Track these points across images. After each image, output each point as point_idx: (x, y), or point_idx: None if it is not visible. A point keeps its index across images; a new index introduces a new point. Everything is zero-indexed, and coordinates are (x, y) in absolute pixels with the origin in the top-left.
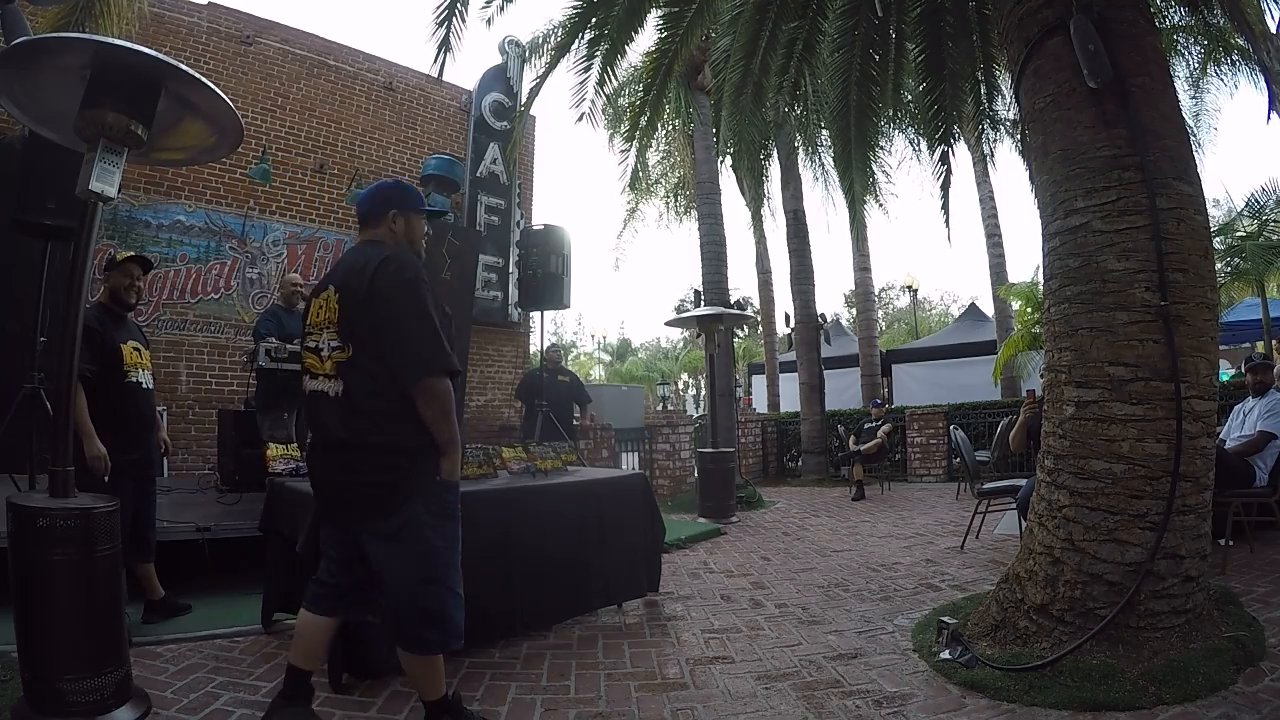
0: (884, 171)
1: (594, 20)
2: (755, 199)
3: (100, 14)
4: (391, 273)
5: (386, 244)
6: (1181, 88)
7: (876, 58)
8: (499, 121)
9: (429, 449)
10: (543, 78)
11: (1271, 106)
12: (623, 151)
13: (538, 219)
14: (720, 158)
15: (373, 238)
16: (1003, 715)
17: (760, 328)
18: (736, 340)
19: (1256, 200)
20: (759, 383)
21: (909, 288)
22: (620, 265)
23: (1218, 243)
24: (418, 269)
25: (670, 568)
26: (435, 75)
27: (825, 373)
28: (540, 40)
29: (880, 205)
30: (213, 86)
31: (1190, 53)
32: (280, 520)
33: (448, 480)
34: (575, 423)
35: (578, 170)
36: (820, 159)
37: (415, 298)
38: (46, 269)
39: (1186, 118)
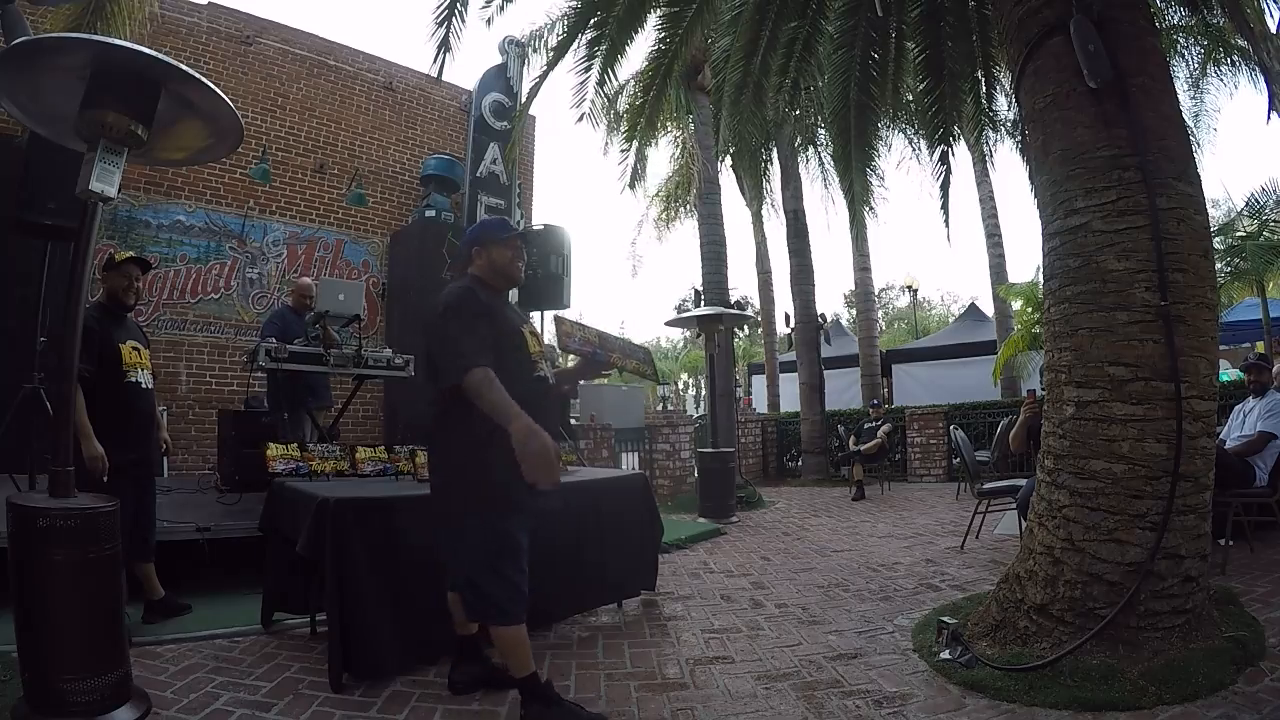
0: (877, 175)
1: (594, 20)
2: (755, 199)
3: (111, 14)
4: (437, 308)
5: (477, 277)
6: (1181, 88)
7: (876, 58)
8: (499, 121)
9: (474, 449)
10: (542, 77)
11: (1271, 106)
12: (623, 151)
13: (538, 219)
14: (720, 158)
15: (470, 272)
16: (1003, 715)
17: (760, 328)
18: (736, 340)
19: (1256, 200)
20: (759, 383)
21: (909, 288)
22: (636, 271)
23: (1218, 243)
24: (452, 297)
25: (670, 568)
26: (435, 75)
27: (825, 373)
28: (541, 31)
29: (871, 209)
30: (213, 86)
31: (1190, 53)
32: (280, 520)
33: (489, 482)
34: (574, 422)
35: (578, 170)
36: (820, 159)
37: (440, 324)
38: (46, 269)
39: (1186, 118)
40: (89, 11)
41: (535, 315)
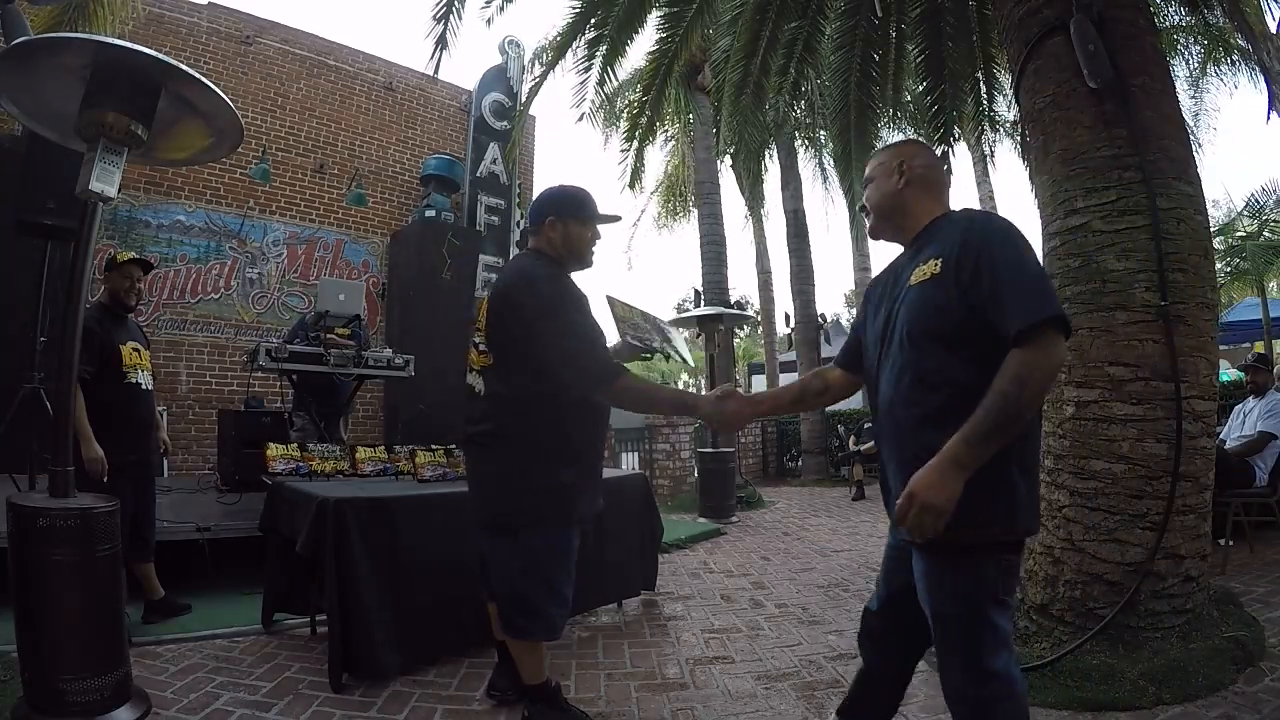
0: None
1: (594, 20)
2: (755, 199)
3: (94, 13)
4: (525, 292)
5: (544, 253)
6: (1181, 88)
7: (876, 58)
8: (499, 121)
9: (539, 454)
10: (542, 77)
11: (1271, 106)
12: (623, 151)
13: None
14: (720, 158)
15: (535, 246)
16: None
17: (760, 327)
18: (736, 340)
19: (1256, 200)
20: (759, 383)
21: None
22: (631, 265)
23: (1218, 243)
24: (545, 279)
25: (670, 568)
26: (432, 73)
27: None
28: (542, 50)
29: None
30: (213, 86)
31: (1190, 53)
32: (280, 520)
33: (557, 489)
34: None
35: (578, 170)
36: (820, 159)
37: (557, 316)
38: (46, 269)
39: (1186, 118)
40: (71, 9)
41: None
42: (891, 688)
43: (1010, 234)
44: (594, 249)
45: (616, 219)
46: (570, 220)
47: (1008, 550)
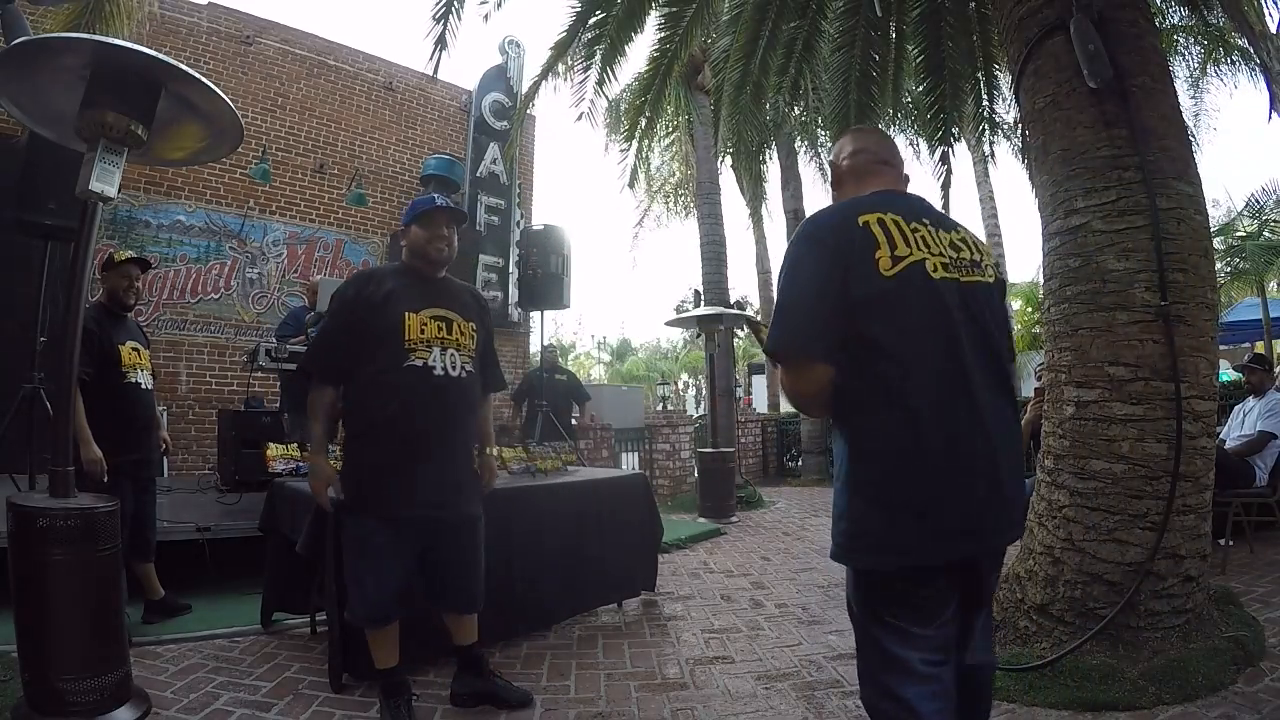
0: None
1: (593, 20)
2: (755, 199)
3: (110, 15)
4: None
5: (401, 260)
6: (1181, 88)
7: (876, 58)
8: (499, 121)
9: (348, 441)
10: (541, 76)
11: (1272, 106)
12: (622, 151)
13: (538, 219)
14: (720, 158)
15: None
16: (1003, 715)
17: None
18: (736, 340)
19: (1256, 200)
20: (759, 383)
21: None
22: (636, 264)
23: (1218, 243)
24: (341, 289)
25: (670, 568)
26: (431, 73)
27: None
28: (541, 63)
29: None
30: (213, 86)
31: (1190, 53)
32: (280, 520)
33: (356, 471)
34: (574, 422)
35: (578, 170)
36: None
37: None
38: (46, 269)
39: (1186, 118)
40: (87, 11)
41: (535, 315)
42: None
43: (787, 256)
44: (438, 247)
45: (459, 213)
46: (412, 225)
47: (873, 573)
